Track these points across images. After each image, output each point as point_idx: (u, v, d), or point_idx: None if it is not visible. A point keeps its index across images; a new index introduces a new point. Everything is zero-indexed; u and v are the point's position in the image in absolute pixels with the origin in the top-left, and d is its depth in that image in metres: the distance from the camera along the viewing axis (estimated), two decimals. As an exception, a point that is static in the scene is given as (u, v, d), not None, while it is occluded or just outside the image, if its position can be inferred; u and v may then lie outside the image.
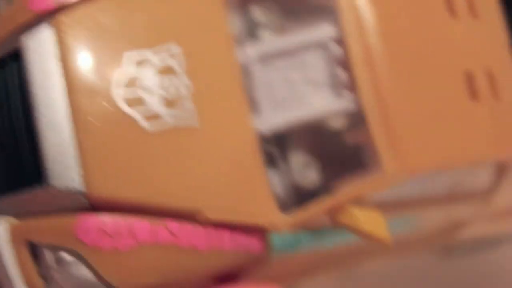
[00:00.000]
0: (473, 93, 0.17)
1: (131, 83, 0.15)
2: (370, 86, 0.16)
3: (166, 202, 0.14)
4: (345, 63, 0.16)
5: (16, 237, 0.14)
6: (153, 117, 0.15)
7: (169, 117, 0.15)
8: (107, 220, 0.14)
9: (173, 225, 0.14)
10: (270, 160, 0.16)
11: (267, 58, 0.17)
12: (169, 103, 0.15)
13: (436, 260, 0.25)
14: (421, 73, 0.16)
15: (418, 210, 0.19)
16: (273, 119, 0.16)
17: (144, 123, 0.15)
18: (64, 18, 0.15)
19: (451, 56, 0.17)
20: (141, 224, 0.14)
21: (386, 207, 0.16)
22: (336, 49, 0.16)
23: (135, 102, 0.15)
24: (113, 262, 0.14)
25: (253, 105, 0.16)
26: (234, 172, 0.15)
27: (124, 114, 0.14)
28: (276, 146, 0.17)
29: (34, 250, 0.14)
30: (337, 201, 0.16)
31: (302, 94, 0.17)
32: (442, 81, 0.17)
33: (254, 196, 0.15)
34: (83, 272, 0.14)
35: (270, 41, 0.17)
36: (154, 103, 0.15)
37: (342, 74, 0.16)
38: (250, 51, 0.17)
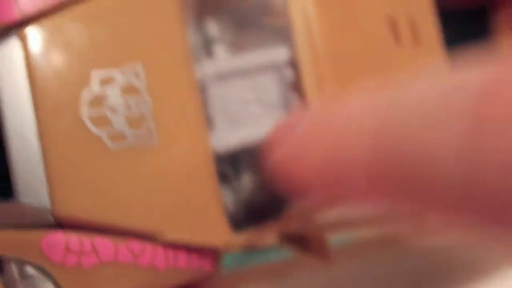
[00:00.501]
0: (397, 38, 0.18)
1: (98, 102, 0.15)
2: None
3: (128, 223, 0.15)
4: (298, 87, 0.17)
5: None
6: (118, 137, 0.15)
7: (133, 137, 0.15)
8: (72, 237, 0.15)
9: (135, 245, 0.15)
10: (224, 179, 0.17)
11: (222, 76, 0.17)
12: (133, 122, 0.16)
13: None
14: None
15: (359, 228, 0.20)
16: (228, 137, 0.17)
17: (109, 143, 0.15)
18: (30, 31, 0.15)
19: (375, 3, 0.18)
20: (104, 243, 0.15)
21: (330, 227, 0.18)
22: (289, 73, 0.17)
23: (101, 121, 0.15)
24: (76, 278, 0.15)
25: (209, 123, 0.17)
26: (191, 191, 0.16)
27: (91, 133, 0.15)
28: (229, 165, 0.17)
29: (0, 264, 0.15)
30: (286, 222, 0.17)
31: (255, 114, 0.18)
32: (369, 29, 0.18)
33: (209, 216, 0.16)
34: (47, 286, 0.15)
35: (225, 59, 0.17)
36: (119, 123, 0.15)
37: (294, 98, 0.17)
38: (207, 68, 0.17)
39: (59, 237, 0.15)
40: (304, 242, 0.18)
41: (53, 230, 0.15)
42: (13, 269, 0.15)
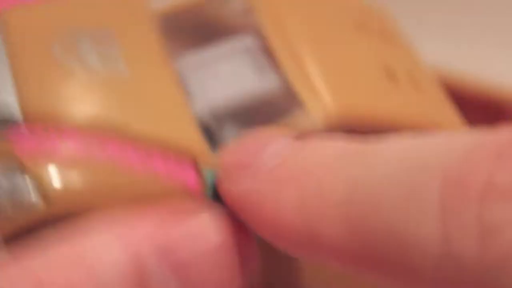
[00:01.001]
0: (393, 80, 0.18)
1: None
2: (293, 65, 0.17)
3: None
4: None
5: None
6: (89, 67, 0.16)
7: (104, 69, 0.16)
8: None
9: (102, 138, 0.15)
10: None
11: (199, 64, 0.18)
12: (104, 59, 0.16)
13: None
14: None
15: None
16: (207, 99, 0.17)
17: (81, 71, 0.15)
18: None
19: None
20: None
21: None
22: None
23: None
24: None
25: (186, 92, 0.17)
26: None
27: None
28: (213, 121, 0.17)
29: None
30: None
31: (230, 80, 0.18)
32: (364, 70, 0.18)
33: (180, 118, 0.16)
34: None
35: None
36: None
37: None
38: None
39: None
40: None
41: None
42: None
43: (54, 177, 0.14)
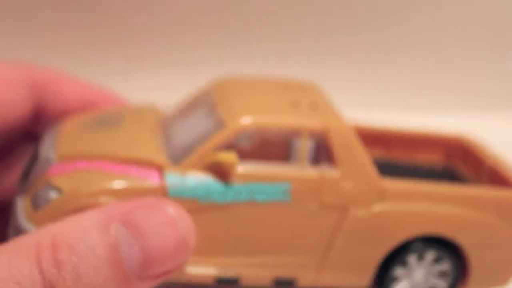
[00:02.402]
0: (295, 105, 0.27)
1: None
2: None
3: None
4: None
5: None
6: (99, 129, 0.28)
7: (108, 128, 0.28)
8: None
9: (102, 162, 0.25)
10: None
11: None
12: (111, 124, 0.28)
13: None
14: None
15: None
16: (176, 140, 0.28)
17: (91, 132, 0.27)
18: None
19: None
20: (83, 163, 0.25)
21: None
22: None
23: None
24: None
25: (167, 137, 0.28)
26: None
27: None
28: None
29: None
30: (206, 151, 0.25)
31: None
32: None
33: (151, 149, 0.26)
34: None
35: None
36: None
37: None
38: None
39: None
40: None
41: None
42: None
43: (62, 182, 0.24)
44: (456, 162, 0.35)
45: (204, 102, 0.29)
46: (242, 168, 0.25)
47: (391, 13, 0.48)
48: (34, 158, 0.27)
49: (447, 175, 0.34)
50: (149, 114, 0.30)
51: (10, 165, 0.33)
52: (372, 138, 0.34)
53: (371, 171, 0.26)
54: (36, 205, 0.25)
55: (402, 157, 0.35)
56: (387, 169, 0.30)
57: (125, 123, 0.28)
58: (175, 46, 0.49)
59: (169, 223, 0.23)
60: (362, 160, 0.26)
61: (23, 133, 0.32)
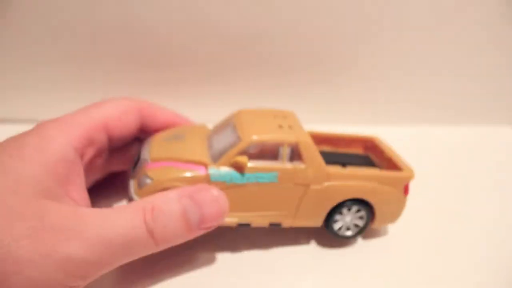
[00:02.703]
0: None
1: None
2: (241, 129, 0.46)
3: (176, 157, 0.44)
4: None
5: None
6: (171, 142, 0.46)
7: (176, 142, 0.46)
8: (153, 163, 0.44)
9: (174, 162, 0.43)
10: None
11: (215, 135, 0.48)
12: (178, 139, 0.47)
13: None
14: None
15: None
16: (214, 148, 0.46)
17: (168, 143, 0.46)
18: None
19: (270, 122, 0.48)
20: (162, 163, 0.43)
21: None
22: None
23: None
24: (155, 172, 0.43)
25: (210, 146, 0.47)
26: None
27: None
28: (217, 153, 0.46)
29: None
30: (231, 155, 0.44)
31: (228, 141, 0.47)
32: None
33: (199, 154, 0.45)
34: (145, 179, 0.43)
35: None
36: None
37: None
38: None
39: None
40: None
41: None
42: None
43: (153, 174, 0.43)
44: (370, 152, 0.57)
45: (229, 124, 0.48)
46: (251, 164, 0.44)
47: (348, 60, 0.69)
48: (138, 158, 0.46)
49: (366, 160, 0.56)
50: (201, 130, 0.50)
51: (125, 155, 0.52)
52: (324, 139, 0.55)
53: (322, 163, 0.45)
54: (139, 186, 0.43)
55: (341, 149, 0.57)
56: (332, 156, 0.51)
57: (186, 137, 0.48)
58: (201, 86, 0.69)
59: (214, 199, 0.42)
60: (317, 158, 0.45)
61: (132, 139, 0.51)
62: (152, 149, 0.46)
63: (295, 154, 0.45)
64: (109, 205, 0.52)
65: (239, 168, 0.44)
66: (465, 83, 0.71)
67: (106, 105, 0.47)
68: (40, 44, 0.61)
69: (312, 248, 0.49)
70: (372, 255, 0.49)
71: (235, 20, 0.62)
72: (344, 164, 0.52)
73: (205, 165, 0.44)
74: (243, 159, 0.43)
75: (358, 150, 0.57)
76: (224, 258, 0.47)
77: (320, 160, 0.46)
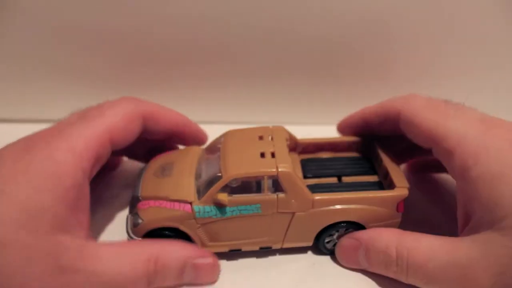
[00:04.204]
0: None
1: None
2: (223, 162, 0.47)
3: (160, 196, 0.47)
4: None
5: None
6: (160, 177, 0.49)
7: (163, 176, 0.50)
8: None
9: (159, 201, 0.46)
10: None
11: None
12: (166, 173, 0.50)
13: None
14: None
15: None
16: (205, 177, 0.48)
17: (156, 178, 0.49)
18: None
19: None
20: (149, 202, 0.46)
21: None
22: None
23: None
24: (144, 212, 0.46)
25: (198, 174, 0.49)
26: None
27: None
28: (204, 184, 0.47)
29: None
30: (213, 192, 0.46)
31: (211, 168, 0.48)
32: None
33: (186, 191, 0.47)
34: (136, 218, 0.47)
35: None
36: None
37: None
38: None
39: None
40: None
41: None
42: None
43: (143, 214, 0.46)
44: (371, 154, 0.55)
45: (216, 150, 0.50)
46: (232, 198, 0.45)
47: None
48: (134, 194, 0.49)
49: (365, 165, 0.54)
50: (192, 156, 0.51)
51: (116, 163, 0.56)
52: (322, 145, 0.55)
53: (305, 192, 0.45)
54: (134, 225, 0.47)
55: (340, 154, 0.56)
56: (330, 165, 0.53)
57: (174, 169, 0.50)
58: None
59: (210, 266, 0.45)
60: (299, 187, 0.45)
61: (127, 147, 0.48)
62: (142, 186, 0.49)
63: (277, 185, 0.46)
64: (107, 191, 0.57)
65: (221, 204, 0.45)
66: (466, 83, 0.67)
67: (109, 113, 0.45)
68: (39, 44, 0.62)
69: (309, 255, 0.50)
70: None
71: (235, 19, 0.61)
72: (340, 177, 0.51)
73: (190, 203, 0.46)
74: (222, 196, 0.45)
75: (358, 153, 0.56)
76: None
77: (302, 189, 0.46)
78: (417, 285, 0.42)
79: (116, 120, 0.45)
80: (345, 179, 0.51)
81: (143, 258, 0.41)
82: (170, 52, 0.63)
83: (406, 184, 0.47)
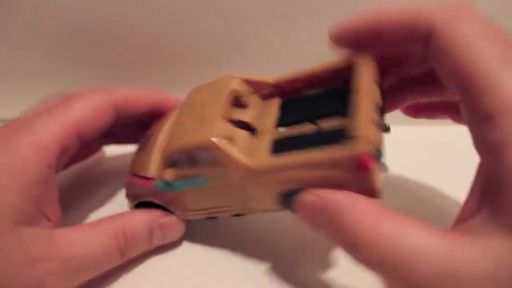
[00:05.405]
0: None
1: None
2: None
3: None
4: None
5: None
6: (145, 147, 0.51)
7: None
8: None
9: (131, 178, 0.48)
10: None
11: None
12: (149, 144, 0.51)
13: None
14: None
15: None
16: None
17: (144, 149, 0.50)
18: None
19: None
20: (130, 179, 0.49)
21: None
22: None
23: None
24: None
25: None
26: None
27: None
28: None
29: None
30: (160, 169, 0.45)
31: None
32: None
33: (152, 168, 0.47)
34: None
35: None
36: None
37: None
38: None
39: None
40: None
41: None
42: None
43: (127, 189, 0.49)
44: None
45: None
46: (173, 173, 0.44)
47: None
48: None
49: (341, 101, 0.40)
50: (168, 123, 0.49)
51: (92, 149, 0.58)
52: (289, 83, 0.45)
53: (240, 162, 0.39)
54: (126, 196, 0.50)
55: (311, 91, 0.44)
56: (297, 110, 0.43)
57: (149, 142, 0.50)
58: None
59: (174, 223, 0.47)
60: (231, 157, 0.40)
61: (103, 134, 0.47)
62: (132, 161, 0.51)
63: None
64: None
65: (167, 181, 0.45)
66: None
67: (77, 105, 0.44)
68: (37, 44, 0.62)
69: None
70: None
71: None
72: (312, 120, 0.41)
73: (153, 179, 0.46)
74: (166, 173, 0.45)
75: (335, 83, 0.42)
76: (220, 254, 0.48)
77: (235, 159, 0.40)
78: (391, 285, 0.32)
79: (83, 113, 0.44)
80: (322, 124, 0.40)
81: (110, 233, 0.43)
82: (167, 49, 0.62)
83: (371, 137, 0.35)
